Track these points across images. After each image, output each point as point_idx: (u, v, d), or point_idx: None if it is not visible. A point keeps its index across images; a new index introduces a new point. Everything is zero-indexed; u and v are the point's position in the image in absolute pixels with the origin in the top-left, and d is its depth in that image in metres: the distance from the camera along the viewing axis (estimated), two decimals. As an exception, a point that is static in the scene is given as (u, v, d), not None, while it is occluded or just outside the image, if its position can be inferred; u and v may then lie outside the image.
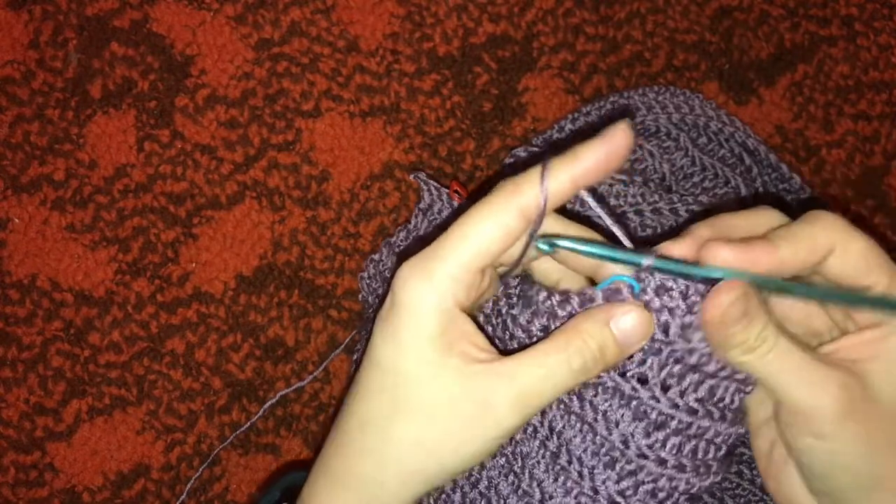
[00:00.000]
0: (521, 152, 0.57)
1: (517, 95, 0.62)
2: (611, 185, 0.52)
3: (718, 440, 0.37)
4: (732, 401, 0.36)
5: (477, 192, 0.62)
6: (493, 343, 0.35)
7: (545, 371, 0.33)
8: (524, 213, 0.33)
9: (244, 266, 0.60)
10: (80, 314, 0.59)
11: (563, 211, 0.37)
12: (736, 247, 0.32)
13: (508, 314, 0.38)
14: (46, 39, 0.59)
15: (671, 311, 0.34)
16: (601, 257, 0.34)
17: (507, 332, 0.38)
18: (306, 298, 0.60)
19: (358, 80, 0.61)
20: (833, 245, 0.33)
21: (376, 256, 0.57)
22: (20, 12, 0.59)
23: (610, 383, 0.36)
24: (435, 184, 0.52)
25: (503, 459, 0.41)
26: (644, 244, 0.36)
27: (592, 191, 0.35)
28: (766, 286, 0.33)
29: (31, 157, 0.59)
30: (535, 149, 0.56)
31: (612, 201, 0.51)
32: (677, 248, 0.34)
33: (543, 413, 0.39)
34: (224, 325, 0.60)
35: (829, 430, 0.33)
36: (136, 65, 0.60)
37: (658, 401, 0.36)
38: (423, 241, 0.53)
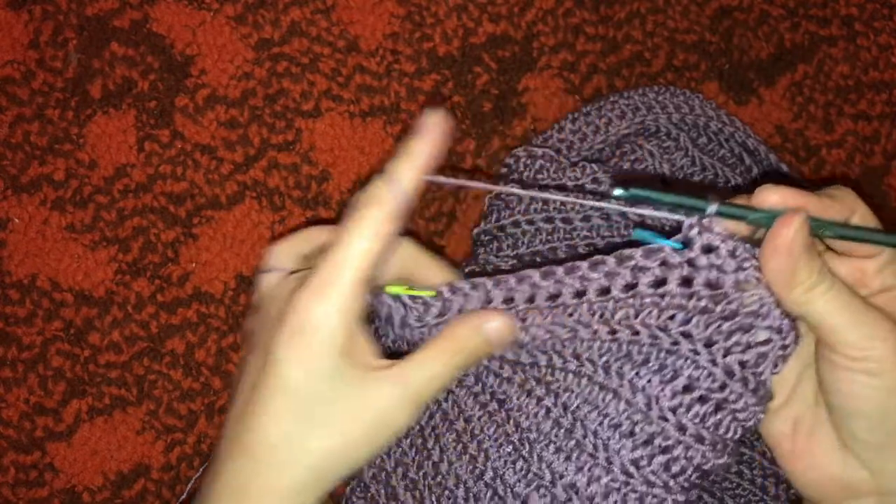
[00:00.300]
0: (520, 152, 0.57)
1: (517, 95, 0.62)
2: (611, 186, 0.52)
3: (742, 416, 0.37)
4: (769, 371, 0.37)
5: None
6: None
7: (431, 374, 0.38)
8: (389, 218, 0.37)
9: (244, 266, 0.60)
10: (80, 314, 0.59)
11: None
12: (786, 191, 0.35)
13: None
14: (46, 39, 0.59)
15: (720, 268, 0.35)
16: (671, 204, 0.36)
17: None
18: (306, 298, 0.60)
19: (358, 80, 0.61)
20: (855, 209, 0.37)
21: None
22: (20, 12, 0.59)
23: (646, 339, 0.37)
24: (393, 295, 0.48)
25: (510, 447, 0.42)
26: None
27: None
28: (822, 229, 0.36)
29: (31, 157, 0.59)
30: (536, 149, 0.57)
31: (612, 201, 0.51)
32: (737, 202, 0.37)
33: (557, 394, 0.40)
34: (224, 325, 0.60)
35: (887, 366, 0.34)
36: (136, 65, 0.60)
37: (698, 354, 0.36)
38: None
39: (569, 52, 0.63)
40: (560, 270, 0.38)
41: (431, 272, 0.43)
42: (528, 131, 0.62)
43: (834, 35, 0.65)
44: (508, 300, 0.39)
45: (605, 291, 0.37)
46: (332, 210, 0.61)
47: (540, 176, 0.54)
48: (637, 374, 0.38)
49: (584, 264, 0.38)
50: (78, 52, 0.60)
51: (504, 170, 0.58)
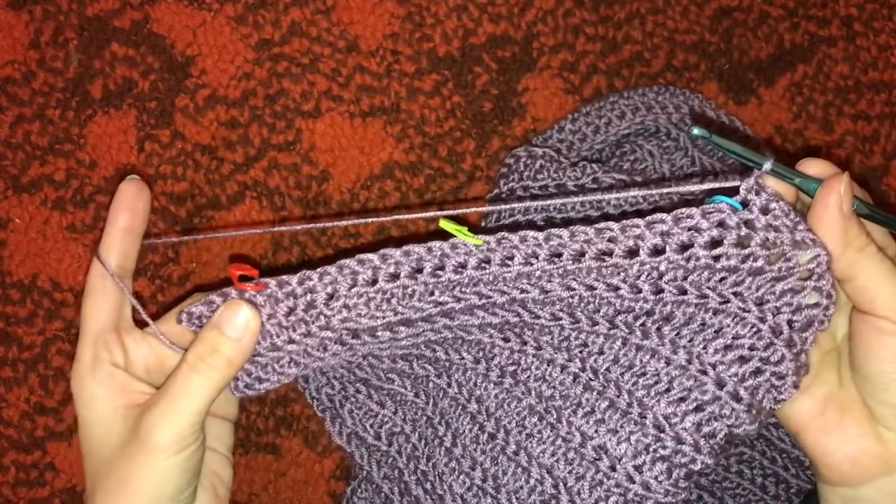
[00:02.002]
0: (521, 152, 0.57)
1: (517, 95, 0.62)
2: (611, 185, 0.52)
3: (778, 384, 0.37)
4: (812, 338, 0.37)
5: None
6: None
7: (177, 388, 0.41)
8: (104, 275, 0.45)
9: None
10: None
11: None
12: (827, 163, 0.38)
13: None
14: (47, 40, 0.60)
15: (776, 228, 0.36)
16: (731, 152, 0.37)
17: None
18: (306, 298, 0.60)
19: (358, 80, 0.61)
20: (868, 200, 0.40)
21: None
22: (21, 12, 0.60)
23: (694, 298, 0.37)
24: (204, 305, 0.46)
25: (535, 418, 0.42)
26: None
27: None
28: (859, 205, 0.38)
29: (31, 158, 0.59)
30: (536, 149, 0.57)
31: (613, 201, 0.51)
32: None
33: (583, 359, 0.41)
34: (224, 325, 0.60)
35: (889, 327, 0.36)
36: (137, 65, 0.60)
37: (748, 311, 0.37)
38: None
39: (569, 53, 0.63)
40: (615, 227, 0.38)
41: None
42: (528, 131, 0.62)
43: (833, 35, 0.65)
44: (556, 255, 0.39)
45: (658, 252, 0.38)
46: (332, 210, 0.61)
47: (540, 176, 0.54)
48: (678, 333, 0.38)
49: (641, 222, 0.38)
50: (78, 52, 0.60)
51: (504, 169, 0.58)
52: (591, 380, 0.40)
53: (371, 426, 0.52)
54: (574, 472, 0.40)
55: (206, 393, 0.41)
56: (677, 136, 0.58)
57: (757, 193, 0.36)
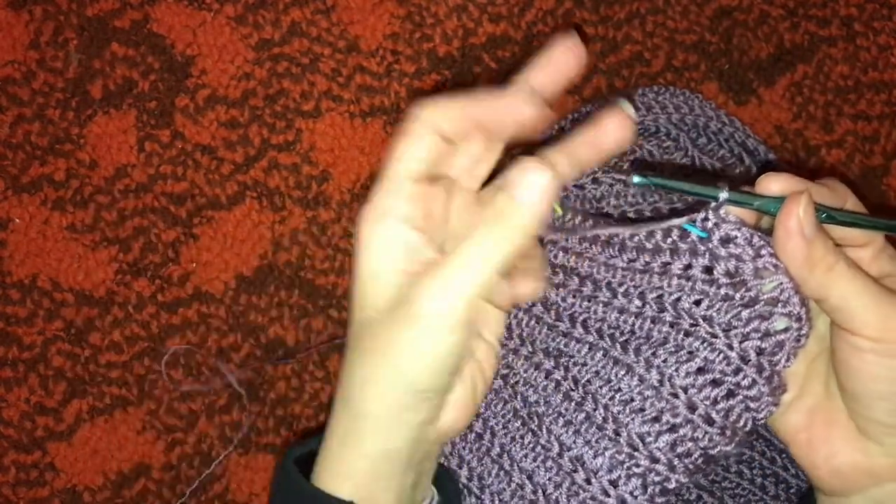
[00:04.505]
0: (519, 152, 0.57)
1: (517, 95, 0.62)
2: (611, 186, 0.52)
3: (754, 406, 0.37)
4: (784, 361, 0.37)
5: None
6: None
7: (458, 254, 0.35)
8: (436, 126, 0.36)
9: (244, 266, 0.60)
10: (81, 314, 0.59)
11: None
12: (788, 178, 0.36)
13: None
14: (47, 40, 0.59)
15: (738, 257, 0.36)
16: (684, 192, 0.37)
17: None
18: (306, 298, 0.60)
19: (358, 80, 0.61)
20: (846, 198, 0.38)
21: None
22: (21, 12, 0.59)
23: (669, 317, 0.37)
24: None
25: (518, 422, 0.42)
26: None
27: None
28: (823, 214, 0.36)
29: (31, 158, 0.59)
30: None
31: (613, 201, 0.51)
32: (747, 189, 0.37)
33: (567, 368, 0.40)
34: (224, 325, 0.60)
35: (865, 351, 0.35)
36: (137, 65, 0.60)
37: (716, 337, 0.36)
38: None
39: (569, 53, 0.63)
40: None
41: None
42: (528, 131, 0.62)
43: (834, 35, 0.65)
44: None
45: (646, 264, 0.39)
46: (332, 210, 0.61)
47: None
48: (654, 353, 0.38)
49: (643, 233, 0.38)
50: (78, 52, 0.60)
51: (504, 170, 0.58)
52: (572, 390, 0.40)
53: None
54: (552, 480, 0.40)
55: (492, 263, 0.35)
56: (677, 136, 0.58)
57: (717, 225, 0.36)
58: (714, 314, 0.37)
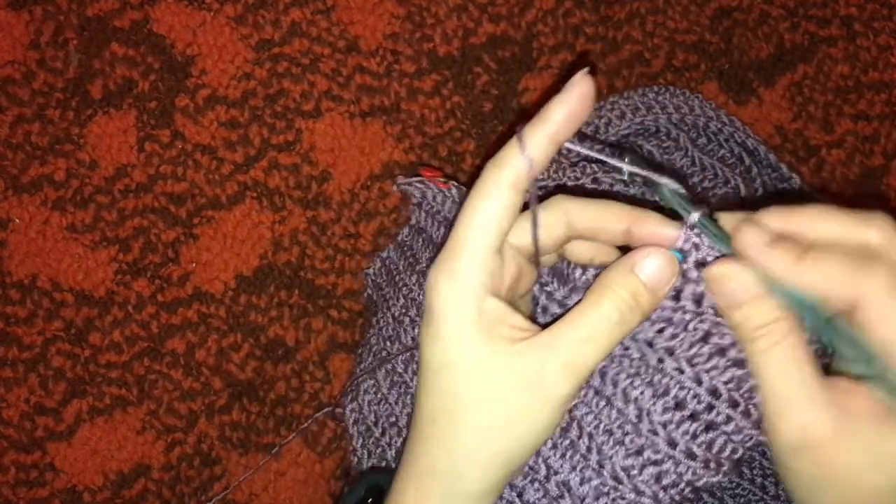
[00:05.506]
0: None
1: (517, 95, 0.62)
2: (611, 186, 0.52)
3: (737, 438, 0.35)
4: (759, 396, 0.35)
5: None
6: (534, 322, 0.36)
7: (585, 332, 0.33)
8: (515, 185, 0.34)
9: (244, 266, 0.60)
10: (81, 314, 0.59)
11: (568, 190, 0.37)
12: (761, 246, 0.32)
13: (543, 292, 0.38)
14: (47, 40, 0.60)
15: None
16: (666, 197, 0.34)
17: (547, 313, 0.38)
18: (306, 298, 0.60)
19: (358, 80, 0.61)
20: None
21: (384, 254, 0.57)
22: (21, 12, 0.59)
23: (636, 353, 0.36)
24: (418, 180, 0.52)
25: None
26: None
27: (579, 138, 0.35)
28: (782, 293, 0.32)
29: (31, 158, 0.59)
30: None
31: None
32: (731, 219, 0.34)
33: None
34: (224, 325, 0.60)
35: (778, 455, 0.33)
36: (137, 65, 0.60)
37: (682, 372, 0.35)
38: (421, 231, 0.53)
39: (569, 52, 0.63)
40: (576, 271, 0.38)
41: (610, 222, 0.36)
42: (528, 131, 0.62)
43: (834, 35, 0.65)
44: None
45: None
46: (332, 210, 0.61)
47: (540, 176, 0.54)
48: (631, 383, 0.37)
49: (591, 272, 0.37)
50: (78, 52, 0.60)
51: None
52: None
53: (374, 411, 0.52)
54: (540, 502, 0.40)
55: (613, 346, 0.34)
56: (677, 136, 0.58)
57: (696, 246, 0.34)
58: (677, 345, 0.35)
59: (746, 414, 0.35)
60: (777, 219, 0.34)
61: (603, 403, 0.38)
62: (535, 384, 0.33)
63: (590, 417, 0.38)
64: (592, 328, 0.33)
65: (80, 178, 0.59)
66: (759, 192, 0.57)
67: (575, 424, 0.38)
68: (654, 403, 0.36)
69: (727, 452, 0.36)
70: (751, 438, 0.36)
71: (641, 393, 0.36)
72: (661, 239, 0.35)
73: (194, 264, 0.60)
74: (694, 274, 0.34)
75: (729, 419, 0.35)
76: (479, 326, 0.34)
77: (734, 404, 0.35)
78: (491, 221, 0.34)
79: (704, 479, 0.36)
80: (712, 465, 0.36)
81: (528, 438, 0.34)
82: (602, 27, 0.63)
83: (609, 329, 0.33)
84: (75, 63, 0.60)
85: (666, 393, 0.36)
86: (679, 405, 0.36)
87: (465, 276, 0.34)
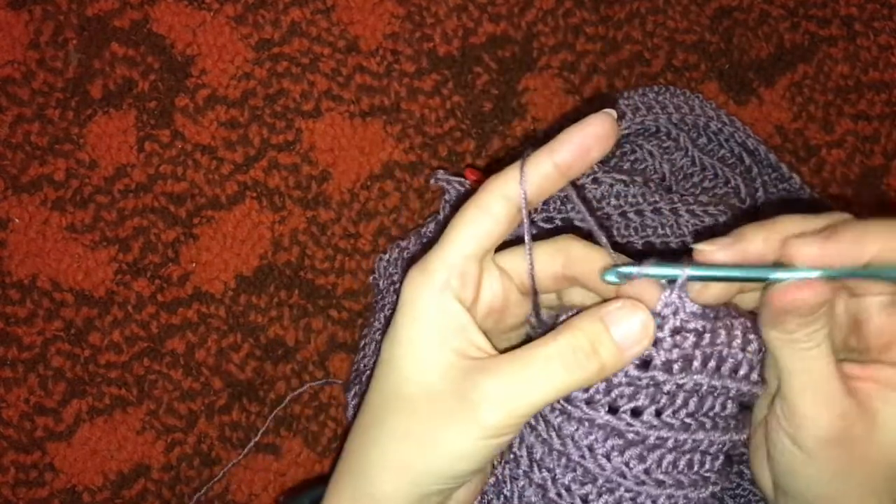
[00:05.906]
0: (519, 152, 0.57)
1: (517, 95, 0.62)
2: (611, 186, 0.52)
3: (713, 450, 0.35)
4: (724, 408, 0.35)
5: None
6: None
7: (531, 368, 0.32)
8: (507, 199, 0.34)
9: (244, 266, 0.60)
10: (81, 314, 0.59)
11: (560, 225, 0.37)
12: (823, 243, 0.31)
13: (537, 335, 0.37)
14: (47, 39, 0.59)
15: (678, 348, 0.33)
16: (650, 276, 0.34)
17: None
18: (306, 298, 0.60)
19: (358, 80, 0.61)
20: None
21: (403, 243, 0.57)
22: (20, 12, 0.59)
23: (600, 420, 0.34)
24: (457, 179, 0.52)
25: (492, 479, 0.40)
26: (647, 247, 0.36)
27: (578, 191, 0.35)
28: (842, 276, 0.32)
29: (31, 158, 0.59)
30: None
31: (613, 201, 0.51)
32: (722, 255, 0.33)
33: (521, 441, 0.37)
34: (224, 325, 0.60)
35: (811, 445, 0.33)
36: (137, 65, 0.60)
37: (653, 426, 0.34)
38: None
39: (569, 52, 0.63)
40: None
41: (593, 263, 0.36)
42: (528, 131, 0.62)
43: (834, 35, 0.65)
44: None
45: None
46: (332, 210, 0.61)
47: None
48: (577, 429, 0.35)
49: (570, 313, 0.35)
50: (78, 52, 0.60)
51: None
52: (529, 470, 0.38)
53: None
54: None
55: (560, 390, 0.33)
56: (677, 135, 0.58)
57: (675, 312, 0.33)
58: (642, 404, 0.34)
59: (715, 427, 0.35)
60: (757, 232, 0.33)
61: (556, 456, 0.36)
62: (465, 407, 0.32)
63: (559, 470, 0.36)
64: (540, 366, 0.32)
65: (79, 177, 0.59)
66: (759, 193, 0.57)
67: (548, 477, 0.37)
68: (629, 457, 0.35)
69: (707, 465, 0.35)
70: (725, 444, 0.35)
71: (595, 439, 0.35)
72: (646, 300, 0.34)
73: (194, 264, 0.60)
74: (667, 343, 0.33)
75: (701, 440, 0.35)
76: (435, 328, 0.33)
77: (702, 426, 0.34)
78: (472, 228, 0.34)
79: (694, 499, 0.35)
80: (700, 482, 0.35)
81: (442, 461, 0.33)
82: (602, 27, 0.63)
83: (555, 369, 0.32)
84: (75, 63, 0.60)
85: (642, 443, 0.35)
86: (653, 448, 0.34)
87: (434, 272, 0.34)
